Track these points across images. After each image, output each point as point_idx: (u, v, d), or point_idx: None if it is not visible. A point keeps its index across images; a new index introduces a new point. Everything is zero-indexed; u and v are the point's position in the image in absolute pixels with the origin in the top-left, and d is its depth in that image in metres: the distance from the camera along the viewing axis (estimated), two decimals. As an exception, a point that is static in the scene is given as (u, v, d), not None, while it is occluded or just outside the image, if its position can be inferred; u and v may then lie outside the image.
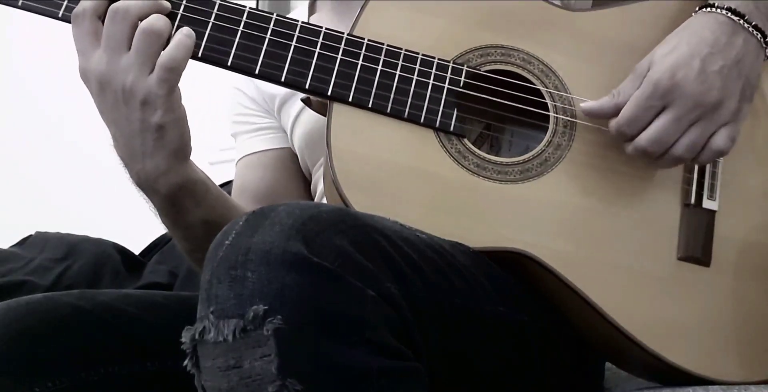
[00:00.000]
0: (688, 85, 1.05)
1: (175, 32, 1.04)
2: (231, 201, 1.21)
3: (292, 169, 1.38)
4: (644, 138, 1.07)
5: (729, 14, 1.09)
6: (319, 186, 1.31)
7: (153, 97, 1.02)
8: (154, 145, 1.04)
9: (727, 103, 1.07)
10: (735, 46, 1.08)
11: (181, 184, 1.08)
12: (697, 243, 1.11)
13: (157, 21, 1.02)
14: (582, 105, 1.11)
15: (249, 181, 1.38)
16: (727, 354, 1.10)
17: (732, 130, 1.08)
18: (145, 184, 1.08)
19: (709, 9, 1.10)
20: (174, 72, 1.02)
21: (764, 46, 1.10)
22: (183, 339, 0.85)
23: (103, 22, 1.03)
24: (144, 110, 1.02)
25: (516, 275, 1.08)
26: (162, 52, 1.02)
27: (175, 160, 1.06)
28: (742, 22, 1.08)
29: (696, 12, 1.12)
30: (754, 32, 1.09)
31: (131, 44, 1.02)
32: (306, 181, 1.38)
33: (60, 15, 1.05)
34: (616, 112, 1.09)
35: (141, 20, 1.02)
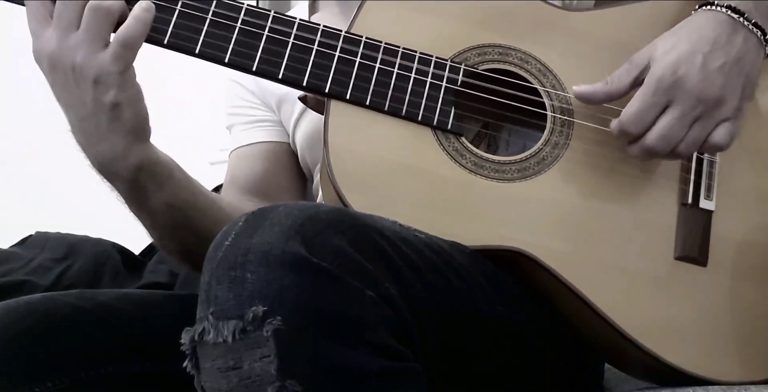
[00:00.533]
0: (690, 81, 1.05)
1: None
2: (200, 188, 1.18)
3: (286, 163, 1.37)
4: (652, 136, 1.06)
5: (728, 12, 1.08)
6: (321, 187, 1.31)
7: (105, 74, 0.99)
8: (109, 126, 1.02)
9: (728, 100, 1.06)
10: (735, 43, 1.07)
11: (140, 166, 1.06)
12: (694, 243, 1.11)
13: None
14: (574, 88, 1.10)
15: (240, 172, 1.37)
16: (724, 354, 1.10)
17: (732, 126, 1.08)
18: (103, 167, 1.06)
19: (708, 7, 1.10)
20: (130, 48, 1.00)
21: (764, 43, 1.09)
22: (182, 341, 0.85)
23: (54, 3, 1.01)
24: (96, 89, 1.00)
25: (514, 275, 1.08)
26: (119, 28, 1.00)
27: (133, 140, 1.04)
28: (741, 19, 1.08)
29: (696, 10, 1.11)
30: (754, 30, 1.08)
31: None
32: (300, 178, 1.38)
33: None
34: (607, 98, 1.09)
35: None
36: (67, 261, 2.03)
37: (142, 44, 1.01)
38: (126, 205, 1.13)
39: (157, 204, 1.11)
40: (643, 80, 1.07)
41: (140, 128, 1.05)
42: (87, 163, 1.08)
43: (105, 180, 1.09)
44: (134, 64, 1.03)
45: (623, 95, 1.08)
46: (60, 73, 1.01)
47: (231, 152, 1.40)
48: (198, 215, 1.15)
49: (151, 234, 1.18)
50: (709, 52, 1.06)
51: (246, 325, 0.80)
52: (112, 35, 1.01)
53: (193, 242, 1.15)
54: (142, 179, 1.08)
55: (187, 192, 1.14)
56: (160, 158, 1.09)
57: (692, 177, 1.13)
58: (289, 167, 1.37)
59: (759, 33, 1.09)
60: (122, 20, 1.01)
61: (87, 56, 0.99)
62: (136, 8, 1.01)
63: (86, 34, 0.99)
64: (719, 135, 1.07)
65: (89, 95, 1.01)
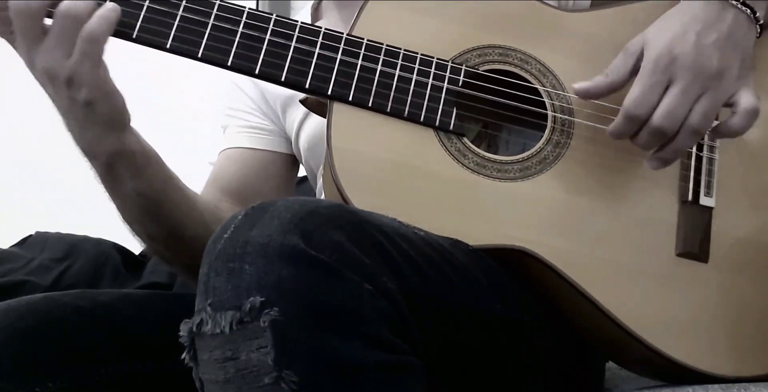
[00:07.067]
0: (687, 57, 1.05)
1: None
2: (178, 183, 1.19)
3: (272, 172, 1.38)
4: (658, 115, 1.05)
5: None
6: (323, 188, 1.31)
7: (76, 75, 1.01)
8: (86, 119, 1.05)
9: (728, 71, 1.06)
10: (725, 21, 1.08)
11: (116, 152, 1.08)
12: (695, 239, 1.12)
13: (73, 5, 1.01)
14: (574, 86, 1.10)
15: (224, 173, 1.38)
16: (726, 349, 1.10)
17: (749, 91, 1.07)
18: (84, 150, 1.09)
19: None
20: (95, 45, 1.01)
21: (755, 21, 1.10)
22: (181, 332, 0.86)
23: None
24: (70, 89, 1.02)
25: (516, 274, 1.08)
26: (84, 26, 1.01)
27: (110, 130, 1.07)
28: None
29: None
30: (743, 8, 1.09)
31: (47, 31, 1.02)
32: (285, 188, 1.39)
33: None
34: (609, 89, 1.09)
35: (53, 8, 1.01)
36: (67, 261, 2.04)
37: (107, 41, 1.03)
38: (101, 185, 1.14)
39: (129, 191, 1.12)
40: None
41: (116, 120, 1.07)
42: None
43: (87, 161, 1.11)
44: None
45: (624, 85, 1.08)
46: (39, 77, 1.04)
47: (221, 151, 1.41)
48: (169, 206, 1.16)
49: (121, 217, 1.19)
50: (701, 29, 1.06)
51: (243, 316, 0.80)
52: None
53: (158, 231, 1.17)
54: (119, 165, 1.10)
55: (162, 182, 1.16)
56: (139, 148, 1.11)
57: (692, 174, 1.14)
58: (275, 176, 1.38)
59: (748, 11, 1.09)
60: None
61: (57, 60, 1.01)
62: (102, 9, 1.02)
63: (54, 40, 1.01)
64: (745, 98, 1.07)
65: (65, 94, 1.03)
